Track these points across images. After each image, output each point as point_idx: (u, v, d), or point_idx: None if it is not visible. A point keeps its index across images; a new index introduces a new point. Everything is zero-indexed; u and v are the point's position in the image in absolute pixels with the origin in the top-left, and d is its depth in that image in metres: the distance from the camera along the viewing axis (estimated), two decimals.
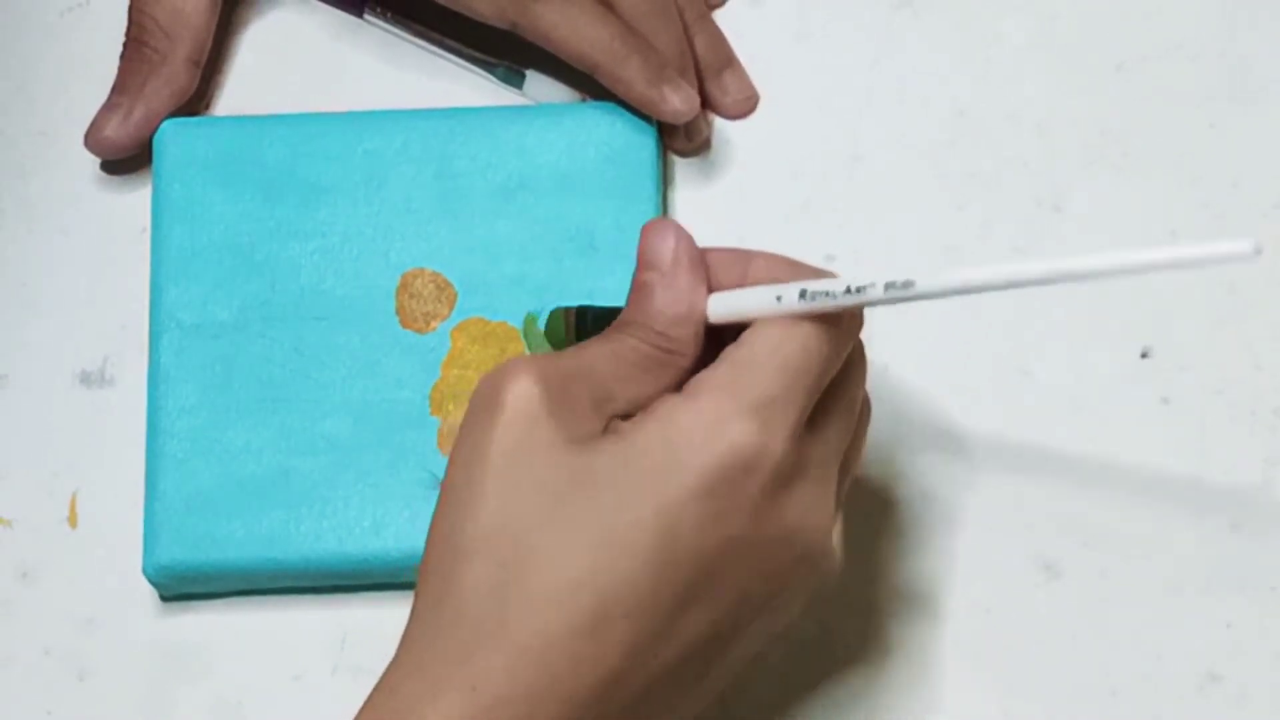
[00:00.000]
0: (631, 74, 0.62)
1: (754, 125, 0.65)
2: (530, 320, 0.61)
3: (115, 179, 0.64)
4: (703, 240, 0.64)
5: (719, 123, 0.65)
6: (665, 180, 0.64)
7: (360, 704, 0.48)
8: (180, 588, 0.59)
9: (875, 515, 0.60)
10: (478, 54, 0.66)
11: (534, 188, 0.62)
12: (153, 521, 0.59)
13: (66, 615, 0.60)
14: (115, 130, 0.63)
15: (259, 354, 0.60)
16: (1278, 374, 0.61)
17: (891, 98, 0.65)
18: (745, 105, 0.65)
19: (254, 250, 0.62)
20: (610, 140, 0.63)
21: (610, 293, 0.60)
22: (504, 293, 0.61)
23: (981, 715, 0.58)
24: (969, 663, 0.59)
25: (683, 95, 0.62)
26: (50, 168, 0.65)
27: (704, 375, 0.49)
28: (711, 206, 0.64)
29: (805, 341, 0.49)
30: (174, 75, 0.63)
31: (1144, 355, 0.62)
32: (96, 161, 0.64)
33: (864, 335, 0.50)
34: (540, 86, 0.65)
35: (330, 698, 0.59)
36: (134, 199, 0.64)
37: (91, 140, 0.63)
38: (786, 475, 0.48)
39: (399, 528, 0.59)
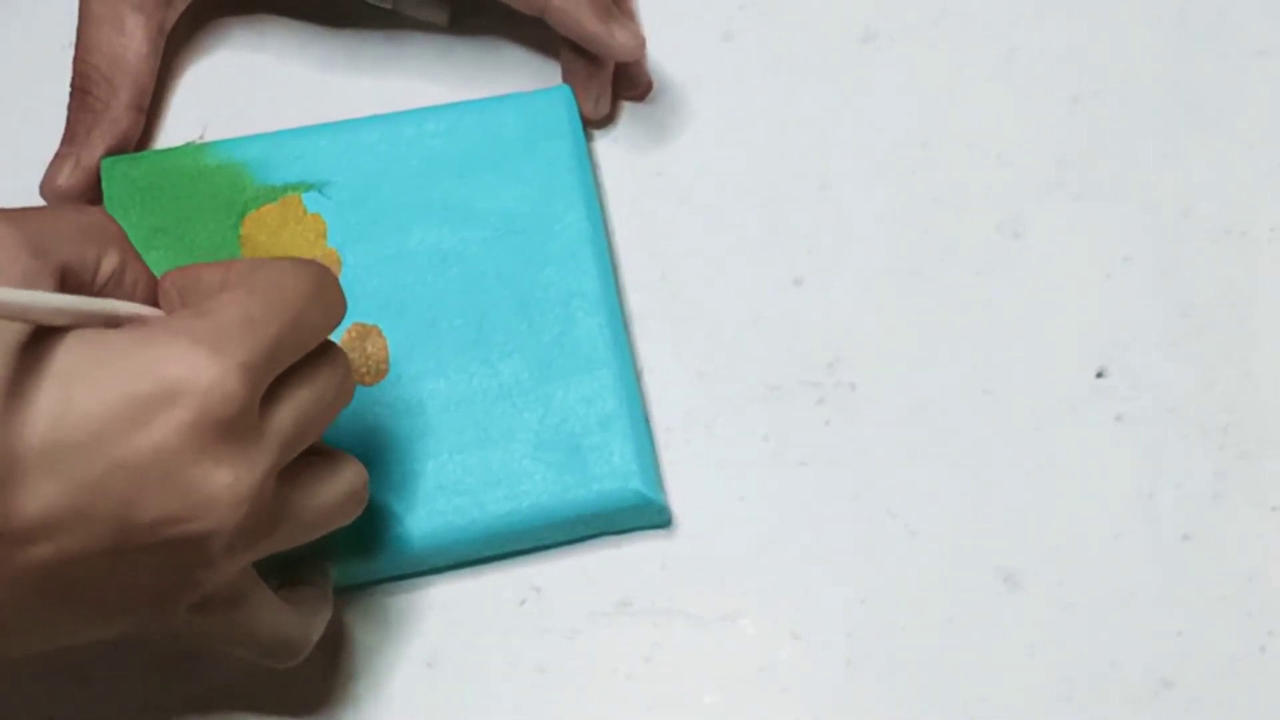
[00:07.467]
0: (582, 11, 0.63)
1: (726, 153, 0.66)
2: None
3: None
4: (682, 261, 0.65)
5: (700, 146, 0.66)
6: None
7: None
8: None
9: (841, 526, 0.60)
10: None
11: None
12: None
13: None
14: (66, 180, 0.64)
15: None
16: (1227, 393, 0.62)
17: (858, 127, 0.66)
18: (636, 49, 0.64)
19: None
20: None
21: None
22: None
23: None
24: (930, 671, 0.59)
25: (629, 31, 0.63)
26: None
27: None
28: (683, 230, 0.65)
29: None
30: (117, 121, 0.64)
31: (1099, 375, 0.62)
32: None
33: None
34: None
35: (325, 700, 0.58)
36: None
37: (46, 191, 0.64)
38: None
39: None
